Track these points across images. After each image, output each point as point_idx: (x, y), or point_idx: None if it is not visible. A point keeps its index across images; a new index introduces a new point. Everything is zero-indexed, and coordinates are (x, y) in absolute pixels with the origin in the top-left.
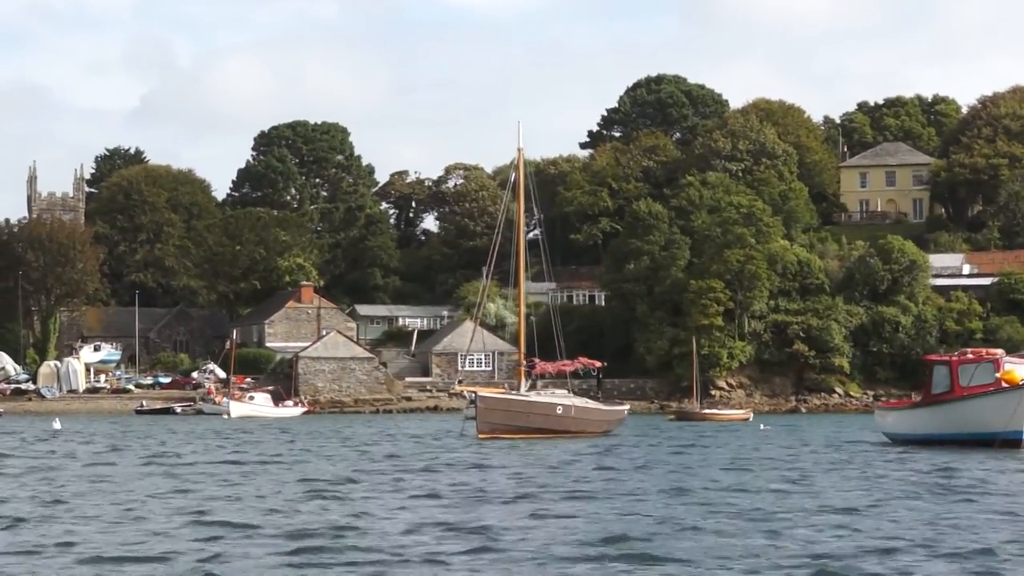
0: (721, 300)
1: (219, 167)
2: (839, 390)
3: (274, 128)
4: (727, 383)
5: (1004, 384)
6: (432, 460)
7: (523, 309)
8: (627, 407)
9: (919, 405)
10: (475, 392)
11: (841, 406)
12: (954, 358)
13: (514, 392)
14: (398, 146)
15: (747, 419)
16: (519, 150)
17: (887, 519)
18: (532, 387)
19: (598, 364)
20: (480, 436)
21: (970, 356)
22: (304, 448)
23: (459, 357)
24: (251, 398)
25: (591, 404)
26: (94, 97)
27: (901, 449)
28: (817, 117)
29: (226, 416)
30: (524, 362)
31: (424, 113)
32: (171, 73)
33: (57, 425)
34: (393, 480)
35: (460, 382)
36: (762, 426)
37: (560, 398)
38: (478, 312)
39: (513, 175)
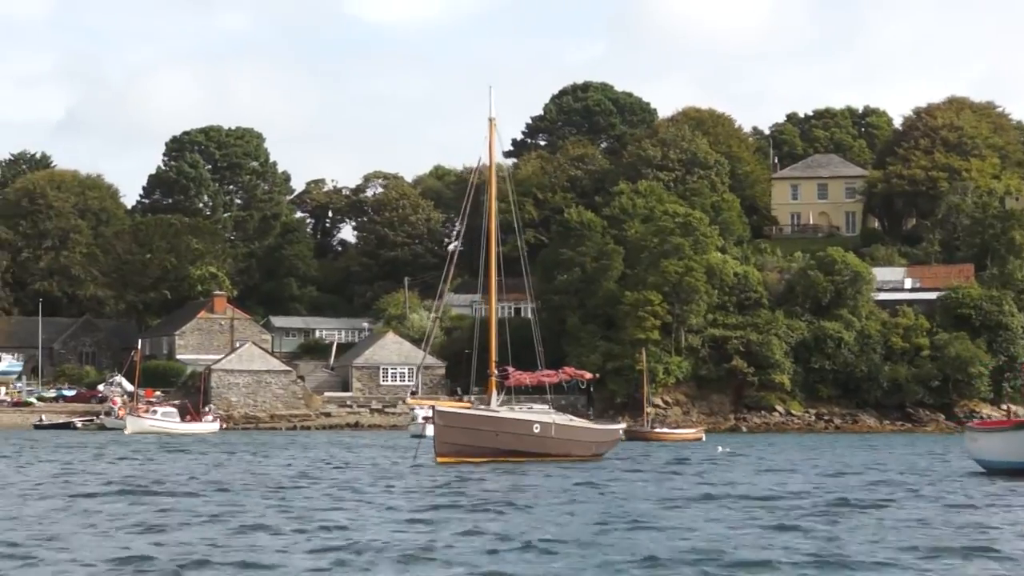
0: (658, 313)
1: (130, 174)
2: (780, 408)
3: (186, 133)
4: (663, 400)
5: None
6: (388, 512)
7: (494, 304)
8: (623, 426)
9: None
10: (432, 407)
11: (783, 425)
12: None
13: (482, 407)
14: (315, 156)
15: (700, 439)
16: (491, 120)
17: None
18: (506, 402)
19: (588, 375)
20: (439, 460)
21: None
22: (170, 472)
23: (381, 371)
24: (154, 412)
25: (577, 422)
26: (18, 109)
27: (1008, 482)
28: (746, 128)
29: (125, 432)
30: (495, 371)
31: (346, 128)
32: (96, 87)
33: None
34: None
35: (413, 394)
36: (719, 448)
37: (538, 414)
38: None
39: (481, 158)
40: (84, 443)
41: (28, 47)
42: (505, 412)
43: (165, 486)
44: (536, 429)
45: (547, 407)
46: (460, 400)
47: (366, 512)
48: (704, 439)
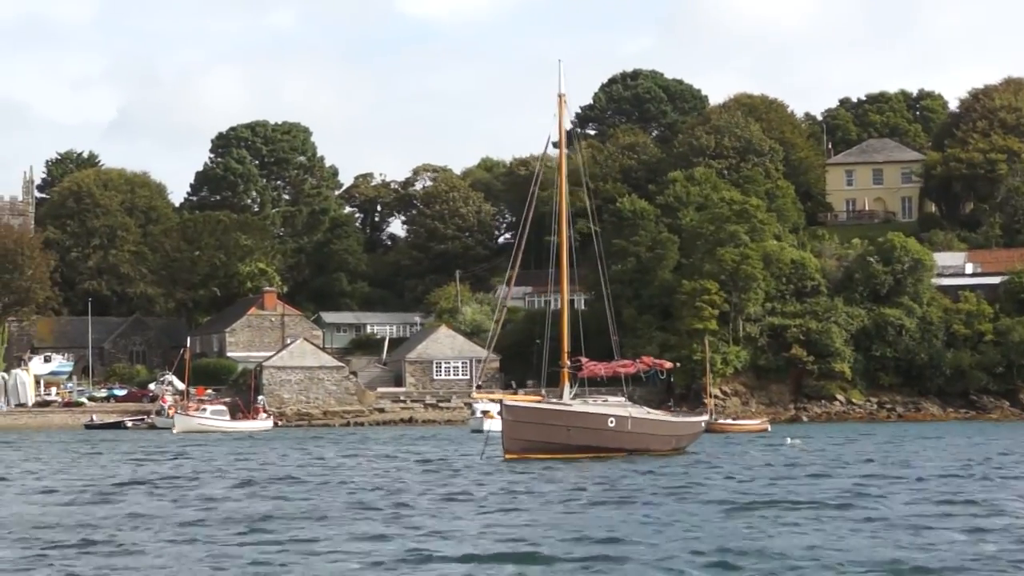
0: (716, 302)
1: (180, 174)
2: (840, 397)
3: (232, 129)
4: (721, 390)
5: None
6: (473, 511)
7: (565, 290)
8: (705, 418)
9: None
10: (501, 401)
11: (844, 414)
12: None
13: (553, 400)
14: (362, 150)
15: (765, 430)
16: (560, 96)
17: None
18: (578, 394)
19: (668, 365)
20: (507, 457)
21: None
22: (218, 469)
23: (434, 365)
24: (203, 411)
25: (655, 414)
26: (71, 111)
27: None
28: (798, 114)
29: (173, 431)
30: (567, 362)
31: (393, 123)
32: (147, 88)
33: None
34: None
35: (479, 387)
36: (789, 440)
37: (614, 407)
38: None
39: (551, 136)
40: (149, 441)
41: (78, 49)
42: (578, 405)
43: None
44: (611, 423)
45: (623, 399)
46: (514, 393)
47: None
48: (769, 430)
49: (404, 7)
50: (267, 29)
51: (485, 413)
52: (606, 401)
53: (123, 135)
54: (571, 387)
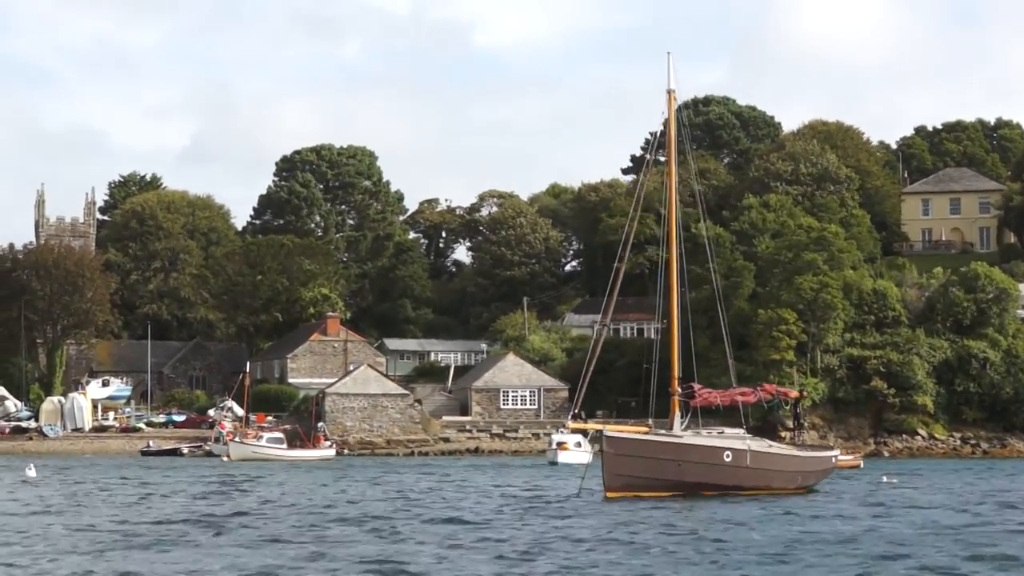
0: (793, 332)
1: (245, 199)
2: (923, 431)
3: (296, 152)
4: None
5: None
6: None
7: (676, 307)
8: (836, 452)
9: None
10: (601, 432)
11: (926, 449)
12: None
13: (662, 432)
14: (427, 176)
15: (858, 466)
16: (669, 92)
17: None
18: (689, 426)
19: (794, 394)
20: (608, 495)
21: None
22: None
23: (501, 393)
24: (259, 438)
25: (777, 448)
26: (145, 138)
27: None
28: (872, 143)
29: (225, 459)
30: (678, 388)
31: (460, 151)
32: (220, 116)
33: (32, 472)
34: None
35: (574, 416)
36: (884, 478)
37: (731, 439)
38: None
39: (659, 132)
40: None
41: (153, 77)
42: (690, 437)
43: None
44: (727, 457)
45: (741, 431)
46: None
47: None
48: (862, 466)
49: (478, 39)
50: (340, 58)
51: (560, 445)
52: (722, 433)
53: (194, 162)
54: (682, 417)
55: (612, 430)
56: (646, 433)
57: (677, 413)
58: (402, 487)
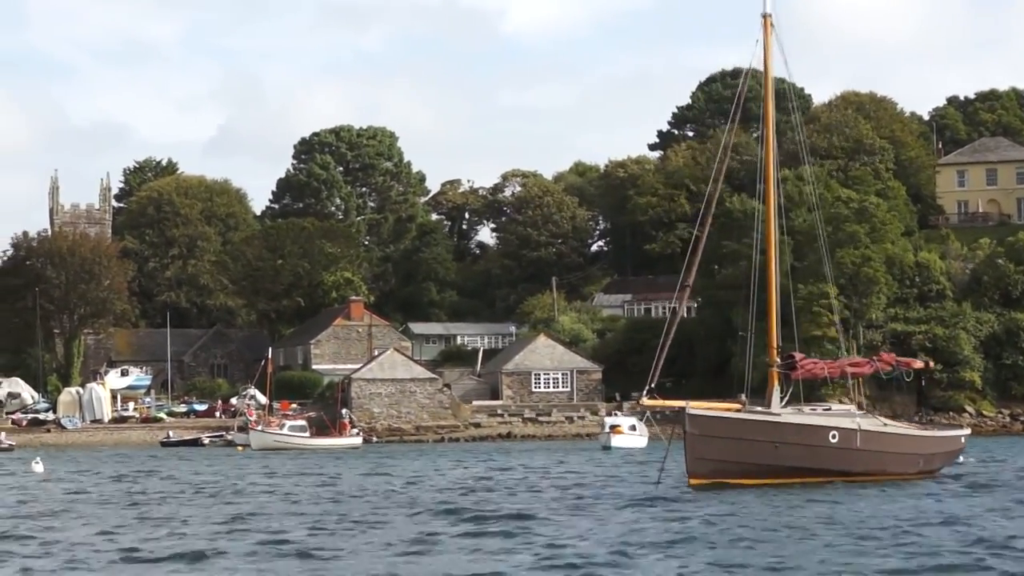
0: (835, 308)
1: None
2: (970, 408)
3: (315, 134)
4: (840, 402)
5: None
6: None
7: (773, 265)
8: (967, 431)
9: None
10: (684, 408)
11: (975, 427)
12: None
13: (758, 409)
14: (449, 157)
15: None
16: (765, 17)
17: None
18: (790, 401)
19: (918, 364)
20: (692, 482)
21: None
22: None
23: (532, 376)
24: (281, 426)
25: (893, 427)
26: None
27: None
28: (905, 113)
29: (240, 448)
30: (777, 359)
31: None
32: (246, 106)
33: (38, 467)
34: None
35: (649, 392)
36: (960, 458)
37: (838, 417)
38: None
39: (752, 62)
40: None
41: (175, 69)
42: (789, 415)
43: None
44: (833, 438)
45: (851, 407)
46: (618, 406)
47: None
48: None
49: (505, 27)
50: (368, 47)
51: (614, 428)
52: (828, 410)
53: (221, 153)
54: (781, 389)
55: (696, 407)
56: (737, 410)
57: (776, 387)
58: (465, 475)
